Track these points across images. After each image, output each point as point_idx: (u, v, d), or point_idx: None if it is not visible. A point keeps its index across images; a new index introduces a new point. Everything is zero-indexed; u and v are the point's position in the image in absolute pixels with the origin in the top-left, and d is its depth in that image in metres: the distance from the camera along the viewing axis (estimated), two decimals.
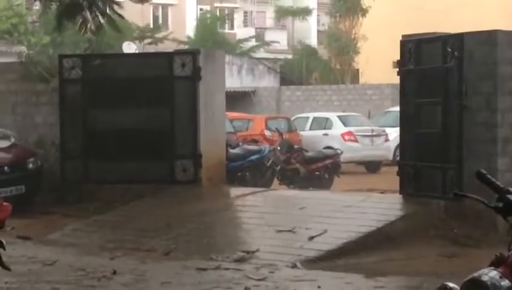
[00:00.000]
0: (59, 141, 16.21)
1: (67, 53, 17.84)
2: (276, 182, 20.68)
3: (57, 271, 10.65)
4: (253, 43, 51.63)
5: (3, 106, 17.17)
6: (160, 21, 52.33)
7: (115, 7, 12.98)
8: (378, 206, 13.56)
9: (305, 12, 50.95)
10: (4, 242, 6.95)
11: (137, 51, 37.13)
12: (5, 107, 17.16)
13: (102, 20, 12.68)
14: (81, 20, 12.58)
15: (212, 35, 47.29)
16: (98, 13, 12.52)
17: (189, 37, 48.91)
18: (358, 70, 47.80)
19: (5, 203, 6.79)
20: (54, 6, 13.69)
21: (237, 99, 36.99)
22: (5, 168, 15.14)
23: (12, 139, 16.12)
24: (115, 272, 10.34)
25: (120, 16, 13.17)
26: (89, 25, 12.51)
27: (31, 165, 15.64)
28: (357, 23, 46.85)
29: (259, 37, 53.18)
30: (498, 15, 40.55)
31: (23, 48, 26.12)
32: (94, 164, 15.89)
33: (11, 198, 11.98)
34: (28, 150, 16.11)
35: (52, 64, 16.70)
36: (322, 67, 47.95)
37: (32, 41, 34.50)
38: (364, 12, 46.45)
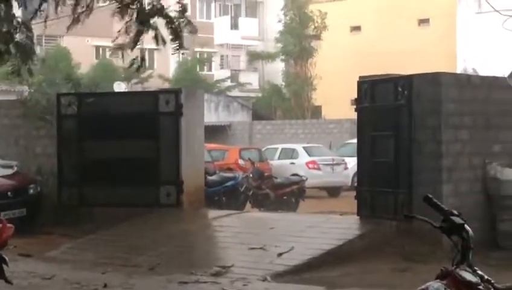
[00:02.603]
0: (57, 169, 16.14)
1: (61, 91, 17.68)
2: (248, 205, 20.65)
3: (54, 285, 10.55)
4: (228, 83, 51.70)
5: (7, 139, 17.07)
6: (147, 63, 52.22)
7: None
8: (339, 226, 13.57)
9: (272, 56, 51.14)
10: (7, 259, 6.89)
11: (126, 90, 37.13)
12: (9, 140, 17.07)
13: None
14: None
15: (192, 76, 47.30)
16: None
17: (173, 77, 48.89)
18: (320, 106, 47.84)
19: (8, 225, 6.73)
20: None
21: (214, 133, 36.91)
22: (9, 193, 15.03)
23: (15, 168, 16.02)
24: (105, 286, 10.25)
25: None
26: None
27: (31, 191, 15.53)
28: (311, 64, 46.75)
29: (234, 77, 53.30)
30: (441, 59, 40.80)
31: (24, 88, 25.85)
32: (88, 189, 15.82)
33: (14, 220, 11.80)
34: (29, 177, 16.01)
35: (49, 102, 16.59)
36: (284, 105, 47.95)
37: (30, 81, 34.08)
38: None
